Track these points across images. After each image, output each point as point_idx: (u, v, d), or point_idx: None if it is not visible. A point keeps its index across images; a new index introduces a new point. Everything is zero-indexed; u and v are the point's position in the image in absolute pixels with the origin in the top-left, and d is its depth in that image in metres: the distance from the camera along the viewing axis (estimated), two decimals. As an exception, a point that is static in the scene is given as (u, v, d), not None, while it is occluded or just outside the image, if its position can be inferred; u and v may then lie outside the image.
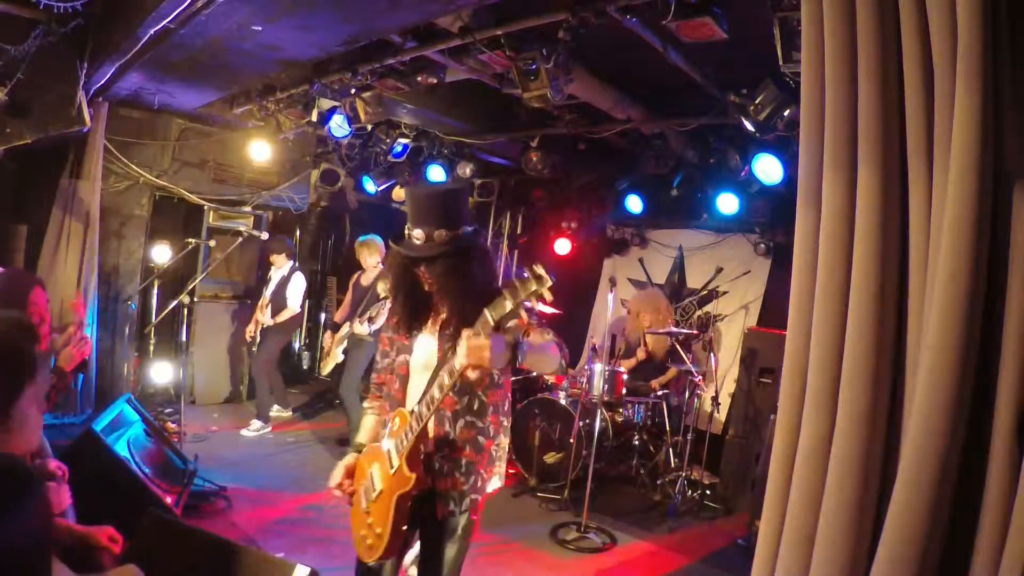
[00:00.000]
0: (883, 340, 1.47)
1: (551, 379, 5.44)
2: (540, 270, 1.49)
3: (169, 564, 1.97)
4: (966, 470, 1.32)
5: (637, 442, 5.12)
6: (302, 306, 6.07)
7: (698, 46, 3.05)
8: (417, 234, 1.88)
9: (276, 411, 6.02)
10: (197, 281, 5.49)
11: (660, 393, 5.25)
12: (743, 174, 4.72)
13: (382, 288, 5.03)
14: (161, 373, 5.73)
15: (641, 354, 5.64)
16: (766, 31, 2.84)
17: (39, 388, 1.43)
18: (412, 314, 2.01)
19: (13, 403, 1.35)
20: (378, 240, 5.39)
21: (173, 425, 4.94)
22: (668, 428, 5.18)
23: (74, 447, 3.00)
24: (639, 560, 3.96)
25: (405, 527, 1.87)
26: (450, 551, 1.93)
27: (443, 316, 1.96)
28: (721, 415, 5.64)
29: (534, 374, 5.46)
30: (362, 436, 2.10)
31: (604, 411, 4.81)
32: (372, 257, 5.35)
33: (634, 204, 6.27)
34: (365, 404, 2.18)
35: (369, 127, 5.72)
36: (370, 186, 6.90)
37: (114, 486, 2.97)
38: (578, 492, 4.42)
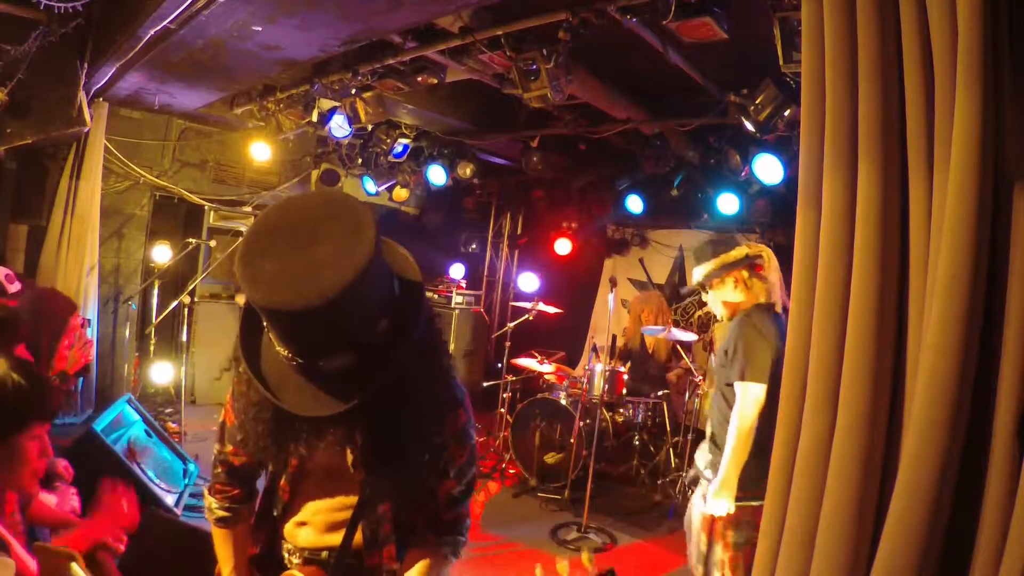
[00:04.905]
0: (883, 340, 1.47)
1: (552, 379, 5.44)
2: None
3: (169, 564, 1.97)
4: (966, 470, 1.32)
5: (637, 442, 5.12)
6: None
7: (698, 46, 3.04)
8: (311, 364, 1.12)
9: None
10: (197, 281, 5.49)
11: (660, 393, 5.25)
12: (743, 174, 4.71)
13: None
14: (161, 373, 5.72)
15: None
16: (766, 31, 2.83)
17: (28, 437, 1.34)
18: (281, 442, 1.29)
19: None
20: None
21: (173, 425, 4.94)
22: (668, 428, 5.17)
23: (74, 447, 3.00)
24: (639, 560, 3.96)
25: None
26: None
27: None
28: (721, 415, 5.63)
29: (534, 374, 5.46)
30: (226, 570, 1.50)
31: (604, 411, 4.81)
32: None
33: (634, 204, 6.27)
34: (215, 504, 1.50)
35: (369, 127, 5.71)
36: (370, 186, 6.90)
37: (114, 486, 2.97)
38: (578, 492, 4.41)
